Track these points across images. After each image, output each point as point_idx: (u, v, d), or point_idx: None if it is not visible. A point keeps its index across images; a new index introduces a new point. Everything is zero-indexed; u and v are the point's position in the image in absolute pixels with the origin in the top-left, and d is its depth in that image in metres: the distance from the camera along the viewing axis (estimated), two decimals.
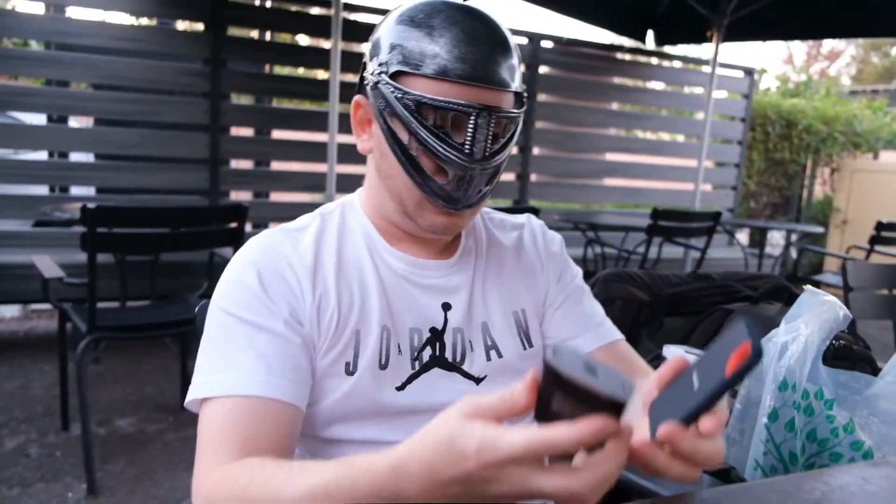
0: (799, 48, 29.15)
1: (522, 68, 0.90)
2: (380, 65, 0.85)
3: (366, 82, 0.88)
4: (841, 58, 28.22)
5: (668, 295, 1.56)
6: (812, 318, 1.20)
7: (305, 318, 0.83)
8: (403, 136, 0.84)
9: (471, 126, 0.82)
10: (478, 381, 0.92)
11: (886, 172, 6.84)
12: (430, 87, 0.81)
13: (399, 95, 0.82)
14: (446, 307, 0.92)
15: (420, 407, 0.87)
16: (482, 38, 0.82)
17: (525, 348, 0.96)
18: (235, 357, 0.78)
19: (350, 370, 0.85)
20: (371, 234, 0.93)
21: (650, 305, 1.56)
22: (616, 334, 1.03)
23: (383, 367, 0.87)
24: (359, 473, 0.59)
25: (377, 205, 0.93)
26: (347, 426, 0.86)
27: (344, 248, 0.91)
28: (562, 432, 0.50)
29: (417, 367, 0.88)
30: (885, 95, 15.43)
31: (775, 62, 34.80)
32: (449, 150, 0.83)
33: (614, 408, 0.51)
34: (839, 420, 1.18)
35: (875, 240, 4.55)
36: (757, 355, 0.52)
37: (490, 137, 0.83)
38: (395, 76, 0.83)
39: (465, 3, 0.86)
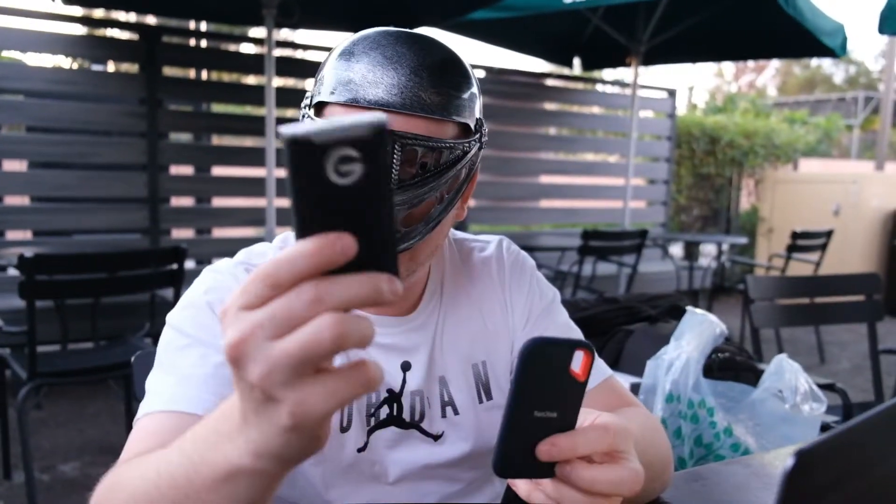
0: (728, 62, 30.36)
1: (475, 99, 0.81)
2: (305, 97, 0.82)
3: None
4: (766, 70, 29.59)
5: (577, 320, 1.70)
6: (693, 336, 1.35)
7: None
8: None
9: None
10: (436, 437, 0.90)
11: (804, 182, 7.25)
12: (344, 114, 0.75)
13: None
14: (405, 367, 0.89)
15: (381, 468, 0.87)
16: (404, 63, 0.75)
17: (481, 401, 0.92)
18: (186, 373, 0.75)
19: None
20: None
21: None
22: (607, 371, 0.94)
23: (345, 429, 0.85)
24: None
25: None
26: (328, 492, 0.85)
27: None
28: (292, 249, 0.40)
29: (373, 424, 0.86)
30: (806, 106, 16.28)
31: (707, 76, 36.28)
32: None
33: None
34: (720, 426, 1.33)
35: (792, 248, 4.84)
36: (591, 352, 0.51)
37: (397, 168, 0.74)
38: (317, 108, 0.79)
39: (407, 30, 0.79)
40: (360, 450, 0.86)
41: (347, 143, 0.38)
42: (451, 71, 0.78)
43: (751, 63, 28.35)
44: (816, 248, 5.03)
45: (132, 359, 1.00)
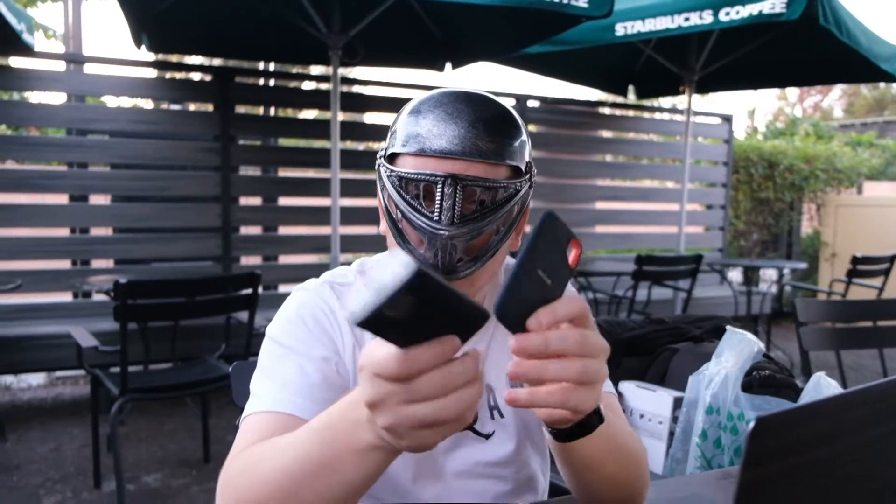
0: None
1: (525, 145, 0.94)
2: (381, 149, 0.97)
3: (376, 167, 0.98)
4: (833, 91, 28.78)
5: (625, 339, 1.81)
6: (732, 354, 1.44)
7: (346, 363, 0.95)
8: (394, 211, 0.93)
9: (438, 194, 0.88)
10: (487, 437, 1.01)
11: (868, 206, 7.11)
12: (412, 163, 0.90)
13: (389, 173, 0.93)
14: None
15: (441, 464, 0.98)
16: (463, 117, 0.89)
17: None
18: (285, 379, 0.89)
19: None
20: None
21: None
22: (609, 387, 1.04)
23: None
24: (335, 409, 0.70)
25: None
26: (380, 490, 0.95)
27: None
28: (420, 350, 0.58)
29: None
30: (874, 127, 15.81)
31: (770, 98, 35.44)
32: (420, 217, 0.89)
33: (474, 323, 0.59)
34: None
35: (853, 273, 4.78)
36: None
37: (459, 205, 0.87)
38: (390, 158, 0.94)
39: (465, 89, 0.94)
40: None
41: (388, 306, 0.51)
42: (503, 122, 0.91)
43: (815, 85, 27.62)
44: (880, 273, 4.95)
45: (230, 368, 1.16)
